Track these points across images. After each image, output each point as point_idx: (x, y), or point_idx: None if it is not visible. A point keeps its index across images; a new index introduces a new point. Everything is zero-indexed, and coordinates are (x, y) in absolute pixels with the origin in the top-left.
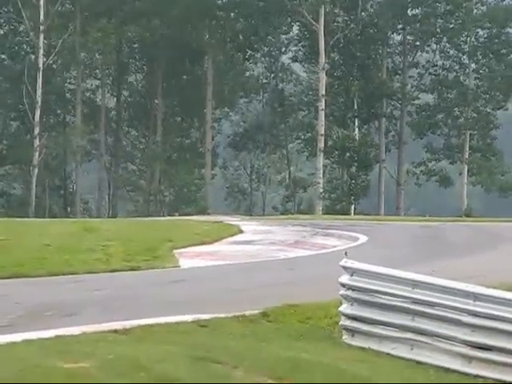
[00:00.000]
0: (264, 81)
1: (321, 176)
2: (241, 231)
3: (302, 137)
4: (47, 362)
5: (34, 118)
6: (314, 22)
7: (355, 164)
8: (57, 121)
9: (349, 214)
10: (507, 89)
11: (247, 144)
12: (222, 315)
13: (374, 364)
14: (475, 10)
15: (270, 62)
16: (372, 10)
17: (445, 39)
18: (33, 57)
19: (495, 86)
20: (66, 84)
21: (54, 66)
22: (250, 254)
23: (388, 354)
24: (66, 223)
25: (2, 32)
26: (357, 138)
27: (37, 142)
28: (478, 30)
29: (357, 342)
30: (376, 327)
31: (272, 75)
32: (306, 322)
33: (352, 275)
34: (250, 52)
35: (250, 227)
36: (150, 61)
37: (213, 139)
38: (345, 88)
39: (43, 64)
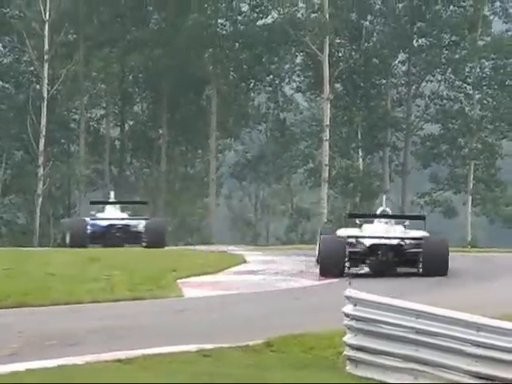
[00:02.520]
0: (266, 111)
1: (325, 206)
2: (245, 261)
3: (305, 167)
4: None
5: (38, 148)
6: (318, 52)
7: (359, 194)
8: (61, 150)
9: None
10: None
11: (250, 174)
12: (226, 345)
13: None
14: (480, 41)
15: (273, 92)
16: (376, 40)
17: (449, 70)
18: (37, 86)
19: (499, 116)
20: (70, 113)
21: (58, 95)
22: (254, 283)
23: None
24: (70, 253)
25: (6, 61)
26: (360, 168)
27: (41, 172)
28: (483, 60)
29: (360, 372)
30: (380, 357)
31: (274, 105)
32: (309, 352)
33: (355, 305)
34: (253, 82)
35: (254, 257)
36: (154, 90)
37: (217, 169)
38: (348, 118)
39: (47, 93)
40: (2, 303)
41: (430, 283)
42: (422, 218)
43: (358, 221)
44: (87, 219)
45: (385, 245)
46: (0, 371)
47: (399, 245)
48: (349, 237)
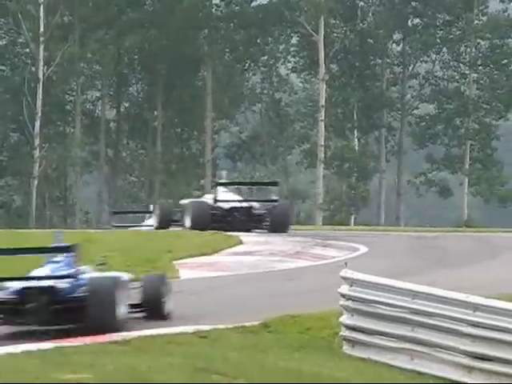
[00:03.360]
0: (261, 91)
1: (320, 187)
2: (241, 242)
3: (300, 148)
4: (47, 373)
5: (33, 130)
6: (313, 33)
7: (355, 174)
8: (57, 132)
9: (348, 224)
10: (508, 99)
11: (245, 155)
12: (222, 326)
13: (374, 374)
14: (476, 21)
15: (268, 72)
16: (371, 21)
17: (445, 49)
18: (32, 68)
19: (496, 96)
20: (66, 95)
21: (54, 77)
22: (250, 264)
23: (388, 364)
24: (66, 234)
25: (1, 43)
26: (356, 148)
27: (37, 154)
28: (479, 40)
29: (357, 352)
30: (376, 337)
31: (269, 86)
32: (306, 333)
33: (352, 286)
34: (248, 62)
35: (250, 238)
36: (149, 72)
37: (213, 150)
38: (344, 99)
39: (43, 75)
40: None
41: (427, 263)
42: (274, 184)
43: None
44: (208, 201)
45: (241, 207)
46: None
47: (250, 206)
48: (216, 200)
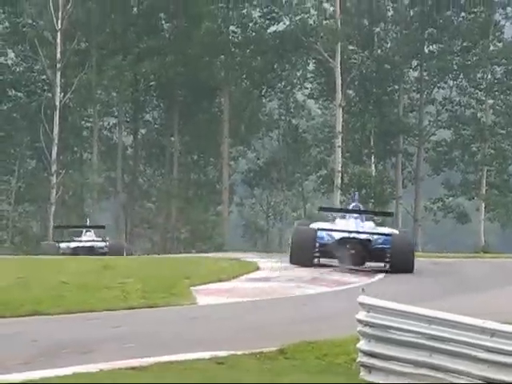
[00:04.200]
0: (278, 117)
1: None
2: (258, 268)
3: (318, 173)
4: None
5: (50, 156)
6: (330, 59)
7: (372, 200)
8: (74, 158)
9: None
10: None
11: (262, 181)
12: (239, 352)
13: None
14: (492, 47)
15: (285, 98)
16: (388, 47)
17: (461, 75)
18: (49, 94)
19: None
20: (83, 121)
21: (71, 103)
22: (267, 290)
23: None
24: (83, 260)
25: (18, 70)
26: (373, 174)
27: (54, 180)
28: (495, 66)
29: (374, 378)
30: (393, 363)
31: (286, 112)
32: (323, 359)
33: (369, 312)
34: (265, 88)
35: (267, 264)
36: (166, 98)
37: (230, 176)
38: (361, 125)
39: (60, 102)
40: (16, 312)
41: (443, 288)
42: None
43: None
44: (316, 227)
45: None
46: (14, 379)
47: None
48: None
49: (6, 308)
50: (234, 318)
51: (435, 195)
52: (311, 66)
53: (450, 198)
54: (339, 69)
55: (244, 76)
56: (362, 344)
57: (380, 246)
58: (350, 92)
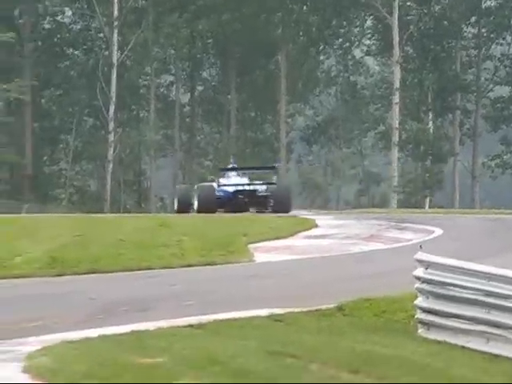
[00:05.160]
0: (336, 74)
1: (395, 169)
2: (315, 225)
3: (375, 130)
4: (123, 357)
5: (108, 114)
6: (387, 16)
7: (429, 157)
8: (131, 116)
9: (423, 207)
10: None
11: (320, 138)
12: (297, 310)
13: (450, 357)
14: None
15: (343, 55)
16: (445, 3)
17: None
18: (106, 53)
19: None
20: (140, 79)
21: (128, 61)
22: (325, 248)
23: (463, 347)
24: (140, 218)
25: (75, 28)
26: (431, 131)
27: (111, 138)
28: None
29: (432, 335)
30: (451, 320)
31: (344, 69)
32: (381, 316)
33: (427, 268)
34: (323, 45)
35: (325, 221)
36: (223, 56)
37: (287, 134)
38: (418, 81)
39: (117, 60)
40: (74, 269)
41: (503, 245)
42: (273, 168)
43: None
44: (214, 185)
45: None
46: (73, 337)
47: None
48: (218, 185)
49: (63, 266)
50: (291, 275)
51: (493, 152)
52: (369, 23)
53: (508, 155)
54: (397, 25)
55: (301, 33)
56: (420, 301)
57: (264, 194)
58: (408, 49)
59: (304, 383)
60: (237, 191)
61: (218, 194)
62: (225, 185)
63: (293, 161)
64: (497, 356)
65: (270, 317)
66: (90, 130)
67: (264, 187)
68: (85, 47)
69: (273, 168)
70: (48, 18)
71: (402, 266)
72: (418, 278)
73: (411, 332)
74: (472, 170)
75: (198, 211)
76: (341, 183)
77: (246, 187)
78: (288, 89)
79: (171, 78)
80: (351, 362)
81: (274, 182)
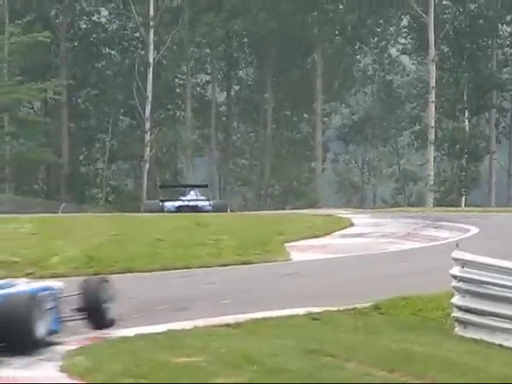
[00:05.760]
0: (372, 73)
1: (431, 168)
2: (351, 224)
3: (411, 129)
4: (160, 356)
5: (144, 113)
6: (423, 14)
7: (465, 156)
8: (167, 116)
9: (459, 206)
10: None
11: (356, 137)
12: (334, 308)
13: (487, 355)
14: None
15: (379, 54)
16: (481, 1)
17: None
18: (142, 52)
19: None
20: (176, 79)
21: (164, 61)
22: (361, 246)
23: (500, 345)
24: (177, 218)
25: (111, 28)
26: (467, 129)
27: (148, 137)
28: None
29: (469, 333)
30: (488, 318)
31: (380, 67)
32: (417, 314)
33: (463, 267)
34: (358, 44)
35: (361, 220)
36: (259, 55)
37: (323, 133)
38: (454, 80)
39: (153, 59)
40: (110, 269)
41: None
42: (205, 186)
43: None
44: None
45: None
46: (110, 336)
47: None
48: (161, 201)
49: (100, 265)
50: (328, 274)
51: None
52: (405, 22)
53: None
54: (432, 24)
55: (337, 32)
56: (457, 299)
57: (205, 209)
58: (444, 47)
59: (340, 382)
60: (181, 206)
61: (166, 208)
62: (164, 200)
63: (328, 160)
64: None
65: (307, 315)
66: (126, 130)
67: (206, 202)
68: (121, 47)
69: (205, 186)
70: (84, 17)
71: (439, 265)
72: (455, 277)
73: (448, 330)
74: (508, 168)
75: None
76: (377, 182)
77: (190, 203)
78: (324, 88)
79: (207, 78)
80: (387, 361)
81: (210, 200)
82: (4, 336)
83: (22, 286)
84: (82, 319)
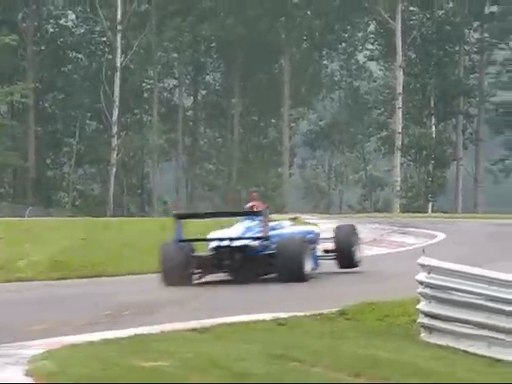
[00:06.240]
0: (339, 79)
1: (398, 174)
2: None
3: (378, 135)
4: (126, 360)
5: (111, 117)
6: (390, 20)
7: (432, 162)
8: (134, 120)
9: (426, 212)
10: None
11: (323, 142)
12: (300, 314)
13: (452, 361)
14: None
15: (346, 60)
16: (448, 8)
17: None
18: (110, 56)
19: None
20: (143, 83)
21: (131, 65)
22: None
23: (465, 351)
24: (143, 222)
25: (79, 32)
26: (434, 135)
27: (115, 141)
28: None
29: (434, 339)
30: (453, 325)
31: (347, 73)
32: (383, 320)
33: (429, 273)
34: (326, 50)
35: (327, 225)
36: (226, 60)
37: (290, 138)
38: (421, 86)
39: (120, 63)
40: (78, 273)
41: (505, 250)
42: (259, 213)
43: None
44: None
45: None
46: (76, 340)
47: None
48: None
49: (67, 269)
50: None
51: (496, 156)
52: (372, 28)
53: (511, 159)
54: (400, 30)
55: (304, 37)
56: (423, 305)
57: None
58: (411, 53)
59: None
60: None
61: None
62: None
63: (295, 165)
64: (499, 360)
65: (274, 321)
66: (93, 134)
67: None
68: (88, 51)
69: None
70: (51, 21)
71: (405, 270)
72: (421, 283)
73: (414, 336)
74: (475, 174)
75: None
76: (344, 188)
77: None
78: (291, 93)
79: (174, 82)
80: (353, 366)
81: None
82: (278, 269)
83: (291, 228)
84: (332, 259)
